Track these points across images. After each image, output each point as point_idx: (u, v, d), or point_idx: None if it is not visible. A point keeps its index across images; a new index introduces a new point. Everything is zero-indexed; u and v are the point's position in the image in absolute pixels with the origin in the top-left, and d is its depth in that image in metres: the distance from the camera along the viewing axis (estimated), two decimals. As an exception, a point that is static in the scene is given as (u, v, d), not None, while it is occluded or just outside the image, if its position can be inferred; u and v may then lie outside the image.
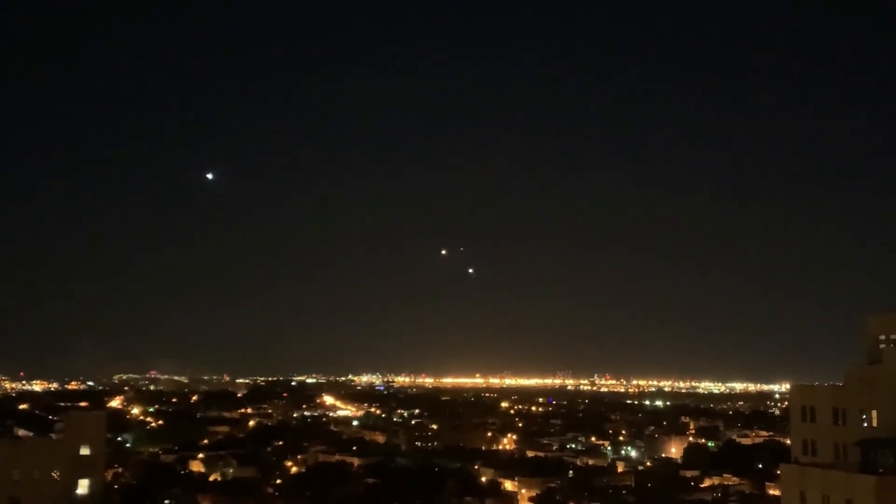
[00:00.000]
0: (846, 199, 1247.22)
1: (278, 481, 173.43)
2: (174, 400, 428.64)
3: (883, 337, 78.38)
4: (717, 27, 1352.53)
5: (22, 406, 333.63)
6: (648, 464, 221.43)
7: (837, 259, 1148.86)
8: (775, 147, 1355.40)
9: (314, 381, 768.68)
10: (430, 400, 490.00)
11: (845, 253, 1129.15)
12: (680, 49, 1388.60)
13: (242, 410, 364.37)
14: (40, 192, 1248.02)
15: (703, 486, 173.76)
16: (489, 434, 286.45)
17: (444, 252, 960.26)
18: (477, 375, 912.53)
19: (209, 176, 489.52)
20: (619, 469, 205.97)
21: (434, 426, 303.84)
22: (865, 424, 71.53)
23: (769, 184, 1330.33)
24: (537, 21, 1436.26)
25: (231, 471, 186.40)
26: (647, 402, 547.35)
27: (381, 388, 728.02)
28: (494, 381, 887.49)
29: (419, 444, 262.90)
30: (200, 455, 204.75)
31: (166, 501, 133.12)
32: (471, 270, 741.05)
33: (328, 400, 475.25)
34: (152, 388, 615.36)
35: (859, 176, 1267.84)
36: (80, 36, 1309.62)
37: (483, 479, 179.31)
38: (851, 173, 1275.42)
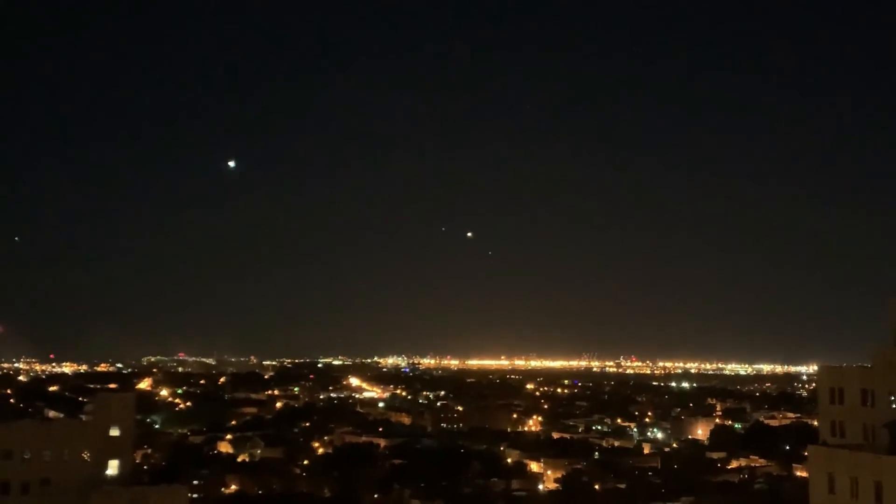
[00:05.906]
0: (873, 180, 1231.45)
1: (305, 462, 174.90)
2: (202, 382, 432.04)
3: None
4: (742, 11, 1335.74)
5: (52, 388, 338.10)
6: (675, 445, 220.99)
7: (865, 241, 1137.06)
8: (803, 131, 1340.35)
9: (340, 362, 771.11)
10: (455, 382, 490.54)
11: (873, 235, 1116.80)
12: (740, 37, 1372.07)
13: (269, 392, 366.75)
14: (71, 176, 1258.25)
15: (729, 467, 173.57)
16: (514, 416, 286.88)
17: (469, 234, 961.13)
18: (502, 357, 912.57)
19: (231, 163, 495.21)
20: (646, 451, 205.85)
21: (459, 408, 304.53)
22: (894, 406, 70.77)
23: (796, 166, 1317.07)
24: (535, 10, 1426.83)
25: (259, 451, 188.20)
26: (674, 384, 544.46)
27: (407, 370, 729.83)
28: (520, 362, 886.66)
29: (445, 425, 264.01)
30: (228, 436, 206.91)
31: (195, 482, 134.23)
32: (490, 252, 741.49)
33: (354, 382, 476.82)
34: (180, 369, 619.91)
35: (887, 157, 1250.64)
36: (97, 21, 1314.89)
37: (509, 460, 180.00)
38: (880, 155, 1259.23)
